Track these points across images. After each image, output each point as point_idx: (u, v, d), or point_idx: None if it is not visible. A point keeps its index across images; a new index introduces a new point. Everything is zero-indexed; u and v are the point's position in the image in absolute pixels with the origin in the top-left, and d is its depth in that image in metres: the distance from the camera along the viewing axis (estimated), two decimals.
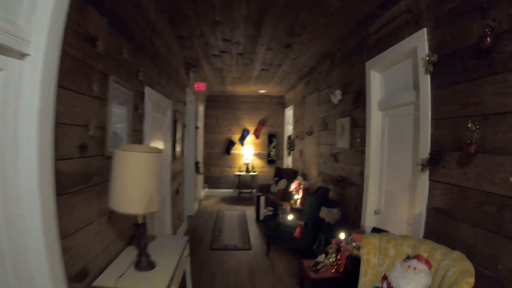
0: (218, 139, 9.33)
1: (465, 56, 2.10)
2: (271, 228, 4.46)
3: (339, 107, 4.61)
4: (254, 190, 8.93)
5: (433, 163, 2.37)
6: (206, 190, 9.23)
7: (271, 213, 6.82)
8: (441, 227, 2.33)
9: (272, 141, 9.40)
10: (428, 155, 2.41)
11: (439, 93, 2.39)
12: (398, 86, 3.15)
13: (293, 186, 6.14)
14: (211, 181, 9.34)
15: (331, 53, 4.80)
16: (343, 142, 4.34)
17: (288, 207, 5.66)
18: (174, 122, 4.54)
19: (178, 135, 4.80)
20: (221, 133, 9.34)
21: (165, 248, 2.59)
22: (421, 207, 2.54)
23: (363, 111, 3.70)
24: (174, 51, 4.50)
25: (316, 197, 4.23)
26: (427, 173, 2.46)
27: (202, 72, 6.28)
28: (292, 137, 8.04)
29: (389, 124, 3.35)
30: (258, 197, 6.35)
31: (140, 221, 2.13)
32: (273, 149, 9.39)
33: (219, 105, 9.33)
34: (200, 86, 6.02)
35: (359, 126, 3.87)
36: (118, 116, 2.41)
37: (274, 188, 7.13)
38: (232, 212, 7.13)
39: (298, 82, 7.15)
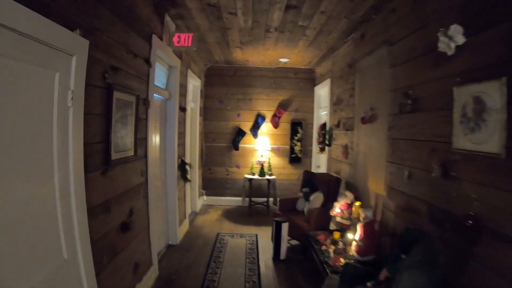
0: (223, 128, 7.01)
1: None
2: None
3: (457, 61, 2.22)
4: (271, 199, 6.63)
5: None
6: (205, 198, 6.97)
7: (297, 243, 4.52)
8: None
9: (297, 132, 7.01)
10: None
11: None
12: None
13: (337, 208, 3.79)
14: (212, 186, 7.05)
15: None
16: (478, 138, 1.95)
17: (332, 248, 3.32)
18: (107, 90, 2.24)
19: (124, 117, 2.51)
20: (226, 119, 7.01)
21: None
22: None
23: None
24: None
25: (430, 273, 1.84)
26: None
27: (189, 20, 3.94)
28: (328, 126, 5.64)
29: None
30: (279, 224, 4.02)
31: None
32: (298, 143, 7.01)
33: (224, 81, 6.97)
34: (183, 39, 3.68)
35: None
36: None
37: (302, 205, 4.78)
38: (238, 240, 4.84)
39: (343, 40, 4.72)
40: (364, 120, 3.75)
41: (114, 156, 2.34)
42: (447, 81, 2.31)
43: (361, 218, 3.00)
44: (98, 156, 2.17)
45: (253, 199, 6.59)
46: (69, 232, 1.88)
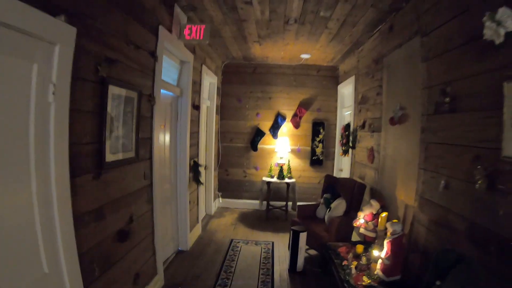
0: (240, 128, 6.77)
1: None
2: None
3: (508, 51, 1.87)
4: (290, 204, 6.33)
5: None
6: (220, 201, 6.76)
7: (315, 253, 4.23)
8: None
9: (318, 133, 6.68)
10: None
11: None
12: None
13: (361, 219, 3.47)
14: (229, 188, 6.83)
15: None
16: None
17: (354, 264, 3.00)
18: (101, 84, 2.03)
19: (123, 114, 2.29)
20: (244, 118, 6.76)
21: None
22: None
23: None
24: None
25: None
26: None
27: (201, 11, 3.71)
28: (352, 126, 5.29)
29: None
30: (296, 233, 3.73)
31: None
32: (320, 145, 6.68)
33: (243, 79, 6.73)
34: (195, 31, 3.46)
35: None
36: None
37: (323, 212, 4.46)
38: (252, 248, 4.58)
39: (368, 33, 4.38)
40: (393, 121, 3.40)
41: (109, 157, 2.14)
42: (494, 75, 1.97)
43: (388, 233, 2.67)
44: (89, 158, 1.97)
45: (271, 202, 6.32)
46: (50, 243, 1.68)
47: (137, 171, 2.66)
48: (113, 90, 2.14)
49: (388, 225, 2.67)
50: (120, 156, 2.29)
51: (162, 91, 3.30)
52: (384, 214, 3.18)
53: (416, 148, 2.99)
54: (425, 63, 2.94)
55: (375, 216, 3.37)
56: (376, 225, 3.32)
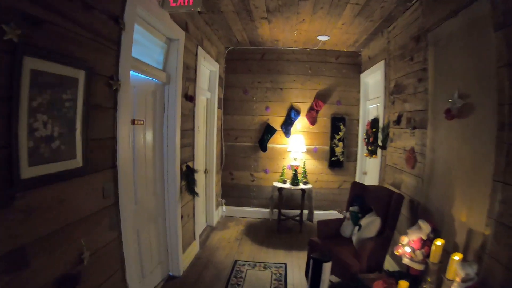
0: (247, 124, 5.96)
1: None
2: None
3: None
4: (306, 212, 5.54)
5: None
6: (224, 209, 5.99)
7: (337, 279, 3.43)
8: None
9: (338, 130, 5.86)
10: None
11: None
12: None
13: (406, 246, 2.66)
14: (234, 194, 6.04)
15: None
16: None
17: None
18: (11, 54, 1.28)
19: (57, 103, 1.52)
20: (252, 113, 5.96)
21: None
22: None
23: None
24: None
25: None
26: None
27: None
28: (383, 122, 4.46)
29: None
30: (317, 263, 2.94)
31: None
32: (340, 143, 5.85)
33: (249, 67, 5.92)
34: None
35: None
36: None
37: (349, 230, 3.64)
38: (260, 273, 3.79)
39: (404, 4, 3.56)
40: (450, 114, 2.57)
41: (28, 172, 1.38)
42: None
43: (457, 278, 1.88)
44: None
45: (283, 211, 5.53)
46: None
47: (89, 187, 1.89)
48: (35, 65, 1.38)
49: (458, 266, 1.87)
50: (51, 167, 1.52)
51: (139, 75, 2.55)
52: (439, 242, 2.37)
53: (490, 151, 2.17)
54: (500, 32, 2.12)
55: (425, 242, 2.57)
56: (426, 256, 2.51)
